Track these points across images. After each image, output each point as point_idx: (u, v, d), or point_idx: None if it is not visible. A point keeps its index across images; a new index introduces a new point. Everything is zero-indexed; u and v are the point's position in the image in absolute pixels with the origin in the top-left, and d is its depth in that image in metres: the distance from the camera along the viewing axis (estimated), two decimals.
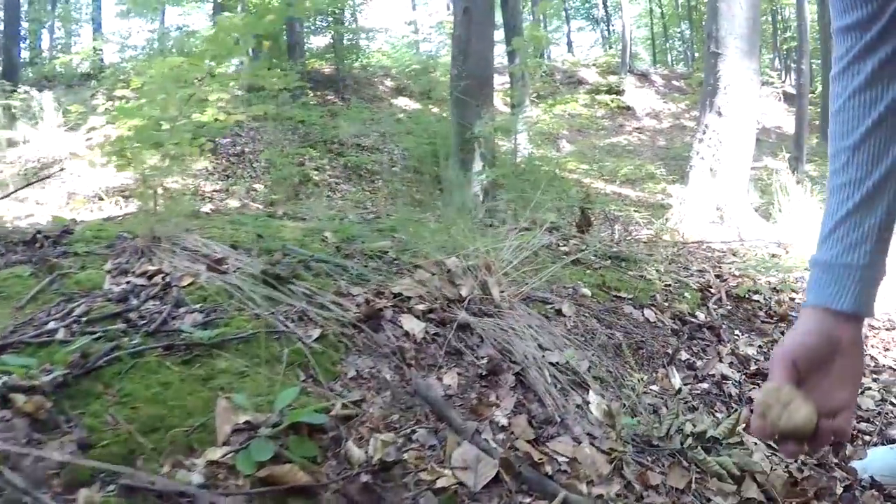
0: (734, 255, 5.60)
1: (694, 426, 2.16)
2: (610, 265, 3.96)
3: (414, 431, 1.76)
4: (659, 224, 6.83)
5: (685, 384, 2.70)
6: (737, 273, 4.68)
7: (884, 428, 3.01)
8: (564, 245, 4.43)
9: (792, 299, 4.40)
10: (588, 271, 3.69)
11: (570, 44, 38.72)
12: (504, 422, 1.89)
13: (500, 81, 18.62)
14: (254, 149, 14.12)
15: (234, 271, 2.46)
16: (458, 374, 2.14)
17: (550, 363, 2.22)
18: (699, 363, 2.92)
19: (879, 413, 3.16)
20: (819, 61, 22.51)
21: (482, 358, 2.22)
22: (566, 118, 16.80)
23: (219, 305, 2.22)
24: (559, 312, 2.79)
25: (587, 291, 3.09)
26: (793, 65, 26.70)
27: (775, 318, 3.98)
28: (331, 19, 21.67)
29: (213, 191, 12.10)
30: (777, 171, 7.40)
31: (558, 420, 1.96)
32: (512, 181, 7.42)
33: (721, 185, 7.40)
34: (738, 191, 7.47)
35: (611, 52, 30.30)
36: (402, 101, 20.08)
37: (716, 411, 2.58)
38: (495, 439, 1.80)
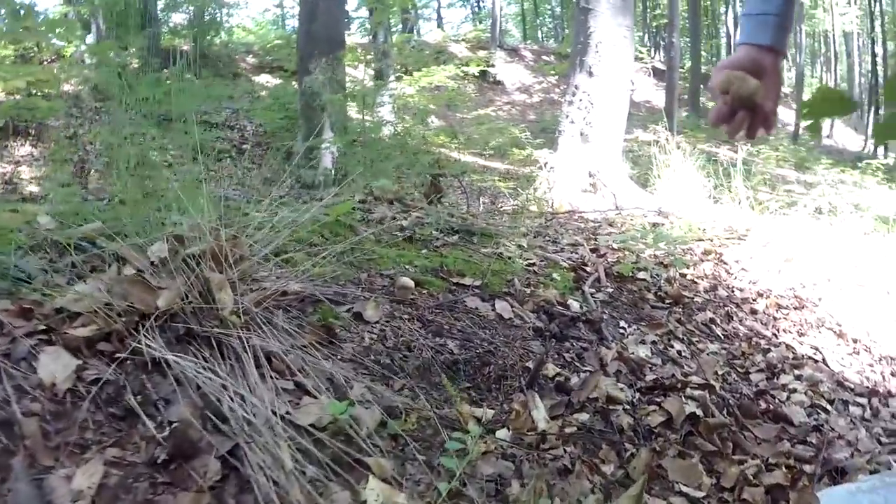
0: (611, 225, 4.76)
1: None
2: (457, 241, 2.98)
3: None
4: (525, 194, 5.94)
5: (553, 418, 1.74)
6: (615, 246, 3.80)
7: (825, 452, 2.17)
8: (404, 218, 3.41)
9: (683, 276, 3.56)
10: (424, 251, 2.70)
11: (440, 19, 37.85)
12: None
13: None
14: (89, 130, 12.57)
15: None
16: (115, 461, 1.09)
17: (301, 427, 1.19)
18: (574, 379, 1.96)
19: (816, 429, 2.32)
20: (688, 39, 22.65)
21: (169, 426, 1.16)
22: (433, 92, 15.85)
23: None
24: (358, 318, 1.77)
25: (409, 282, 2.08)
26: (662, 42, 26.90)
27: (667, 302, 3.12)
28: None
29: (32, 177, 10.61)
30: (656, 137, 6.70)
31: None
32: (363, 150, 6.40)
33: (593, 151, 6.58)
34: (613, 157, 6.68)
35: (481, 27, 29.59)
36: (263, 78, 18.87)
37: (602, 463, 1.63)
38: None
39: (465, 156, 11.85)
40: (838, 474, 2.07)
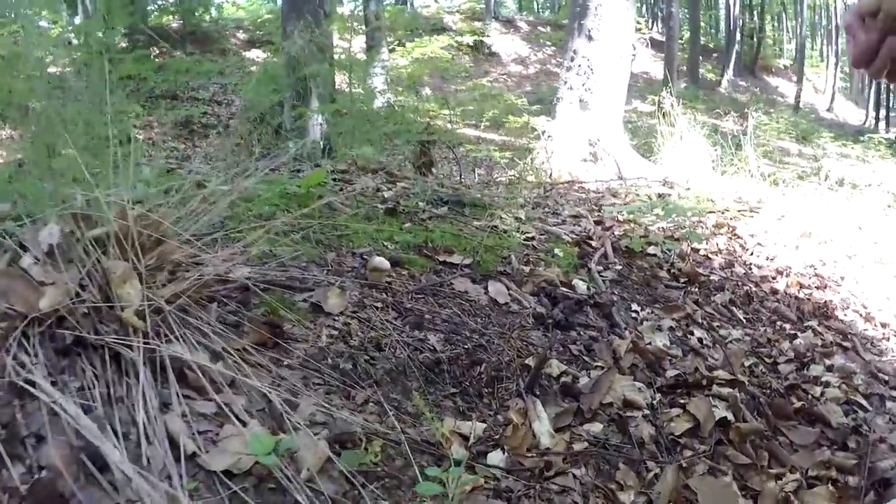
0: (614, 196, 4.41)
1: None
2: (446, 214, 2.64)
3: None
4: (522, 164, 5.57)
5: (559, 430, 1.41)
6: (621, 218, 3.47)
7: (868, 460, 1.85)
8: (388, 189, 3.07)
9: (696, 251, 3.23)
10: (408, 225, 2.35)
11: None
12: None
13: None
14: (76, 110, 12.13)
15: None
16: None
17: (214, 473, 0.86)
18: (584, 379, 1.63)
19: (855, 430, 2.00)
20: (687, 9, 22.24)
21: (35, 473, 0.82)
22: (426, 62, 15.42)
23: None
24: (318, 310, 1.43)
25: (383, 262, 1.73)
26: (660, 12, 26.39)
27: (682, 280, 2.79)
28: None
29: (9, 161, 10.29)
30: (662, 103, 6.32)
31: None
32: (350, 120, 6.04)
33: (594, 119, 6.22)
34: (613, 124, 6.32)
35: None
36: (253, 54, 18.46)
37: (620, 489, 1.30)
38: None
39: (460, 127, 11.46)
40: (882, 487, 1.77)
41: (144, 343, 1.02)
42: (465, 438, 1.22)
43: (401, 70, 13.61)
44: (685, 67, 21.22)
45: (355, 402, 1.17)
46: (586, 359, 1.75)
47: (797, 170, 7.25)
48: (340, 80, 8.67)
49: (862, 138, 14.24)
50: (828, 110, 22.91)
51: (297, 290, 1.47)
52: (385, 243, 2.08)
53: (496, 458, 1.20)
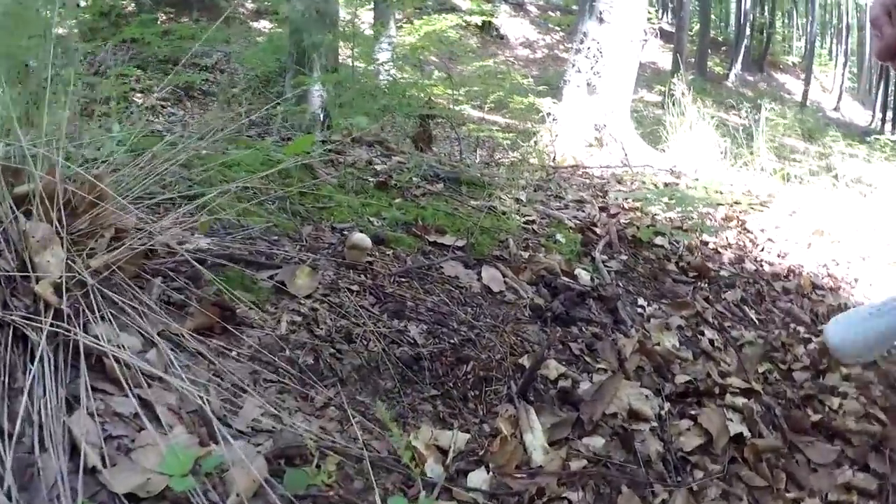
0: (619, 182, 4.22)
1: None
2: (441, 191, 2.44)
3: None
4: (526, 146, 5.36)
5: (554, 444, 1.21)
6: (627, 205, 3.27)
7: (891, 481, 1.69)
8: (382, 162, 2.86)
9: (705, 244, 3.04)
10: (399, 200, 2.15)
11: None
12: None
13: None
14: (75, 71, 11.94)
15: None
16: None
17: (117, 496, 0.66)
18: (584, 384, 1.43)
19: (875, 448, 1.81)
20: (697, 1, 22.03)
21: None
22: (431, 35, 15.17)
23: None
24: (282, 291, 1.23)
25: (364, 239, 1.52)
26: (670, 3, 26.12)
27: (691, 275, 2.60)
28: None
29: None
30: (672, 91, 6.10)
31: None
32: (350, 92, 5.82)
33: (601, 103, 6.01)
34: (621, 110, 6.11)
35: None
36: (261, 24, 18.26)
37: None
38: None
39: (464, 104, 11.22)
40: None
41: (55, 323, 0.82)
42: (444, 452, 1.02)
43: (407, 47, 13.35)
44: (693, 59, 21.02)
45: (313, 404, 0.97)
46: (588, 360, 1.56)
47: (807, 166, 7.05)
48: (347, 53, 8.43)
49: (868, 139, 14.02)
50: (835, 109, 22.69)
51: (262, 266, 1.27)
52: (371, 219, 1.88)
53: (478, 478, 1.01)
